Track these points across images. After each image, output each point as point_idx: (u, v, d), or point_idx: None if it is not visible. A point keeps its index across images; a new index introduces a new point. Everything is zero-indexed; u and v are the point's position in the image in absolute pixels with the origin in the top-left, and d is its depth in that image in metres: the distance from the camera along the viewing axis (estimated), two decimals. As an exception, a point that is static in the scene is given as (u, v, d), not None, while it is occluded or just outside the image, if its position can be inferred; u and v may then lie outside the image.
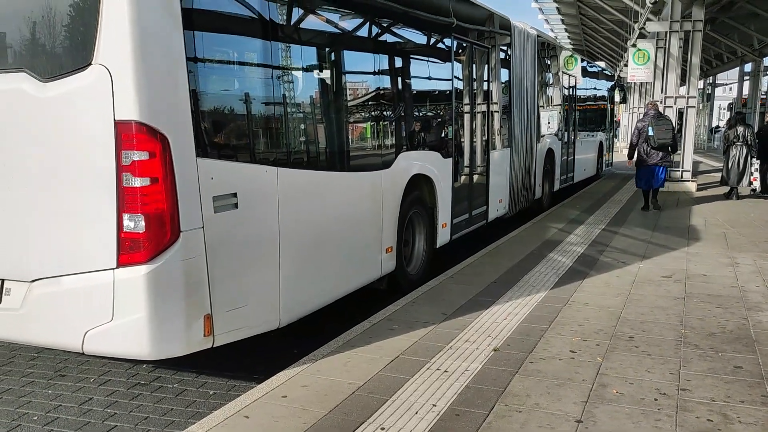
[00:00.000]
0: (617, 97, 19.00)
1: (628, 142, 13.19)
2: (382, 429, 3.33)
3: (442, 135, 7.45)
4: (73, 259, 3.66)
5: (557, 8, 25.74)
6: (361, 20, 5.76)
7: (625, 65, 19.90)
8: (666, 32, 14.37)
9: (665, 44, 14.58)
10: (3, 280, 3.89)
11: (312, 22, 5.11)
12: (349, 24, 5.63)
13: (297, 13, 4.87)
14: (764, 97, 25.64)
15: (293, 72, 4.78)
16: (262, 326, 4.33)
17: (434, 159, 6.98)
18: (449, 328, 4.90)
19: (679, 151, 14.29)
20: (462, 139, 7.96)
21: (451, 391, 3.78)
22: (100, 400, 4.16)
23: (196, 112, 3.73)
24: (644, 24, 15.36)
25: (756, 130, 13.82)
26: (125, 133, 3.44)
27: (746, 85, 27.60)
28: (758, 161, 13.04)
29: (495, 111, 9.01)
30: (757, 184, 13.17)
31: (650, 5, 14.42)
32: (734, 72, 30.69)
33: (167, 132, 3.51)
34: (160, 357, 3.73)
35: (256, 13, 4.33)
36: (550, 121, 12.34)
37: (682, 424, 3.36)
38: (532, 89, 10.38)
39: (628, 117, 33.85)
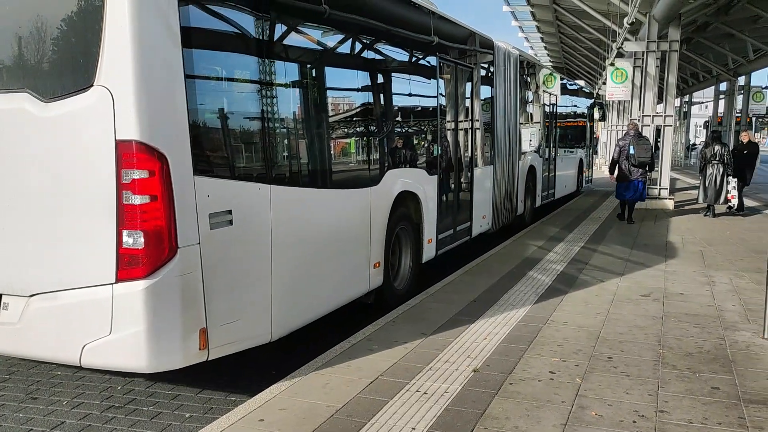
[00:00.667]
0: (596, 115, 19.29)
1: (608, 158, 13.56)
2: (361, 454, 3.29)
3: (428, 153, 7.56)
4: (71, 274, 3.76)
5: (537, 26, 26.06)
6: (356, 41, 5.93)
7: (604, 83, 20.18)
8: (643, 52, 14.59)
9: (642, 63, 14.80)
10: (1, 295, 3.97)
11: (304, 42, 5.23)
12: (340, 45, 5.75)
13: (287, 32, 4.94)
14: (739, 115, 26.05)
15: (285, 91, 4.87)
16: (254, 340, 4.41)
17: (420, 176, 7.12)
18: (429, 348, 4.88)
19: (656, 169, 14.58)
20: (447, 157, 8.07)
21: (430, 413, 3.76)
22: (72, 424, 4.07)
23: (193, 130, 3.83)
24: (622, 43, 15.60)
25: (731, 148, 14.05)
26: (126, 153, 3.56)
27: (721, 103, 28.07)
28: (735, 179, 13.24)
29: (479, 129, 9.21)
30: (734, 202, 13.35)
31: (627, 25, 14.68)
32: (710, 90, 31.22)
33: (166, 151, 3.62)
34: (158, 370, 3.77)
35: (249, 34, 4.44)
36: (531, 138, 12.56)
37: (660, 447, 3.36)
38: (514, 107, 10.57)
39: (606, 134, 34.25)
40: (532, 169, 12.39)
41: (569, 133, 17.05)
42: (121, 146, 3.56)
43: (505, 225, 10.68)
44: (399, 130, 6.99)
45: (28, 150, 3.82)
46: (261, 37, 4.52)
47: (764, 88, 25.61)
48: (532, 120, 12.71)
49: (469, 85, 8.79)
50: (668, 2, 12.55)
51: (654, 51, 14.38)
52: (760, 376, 4.38)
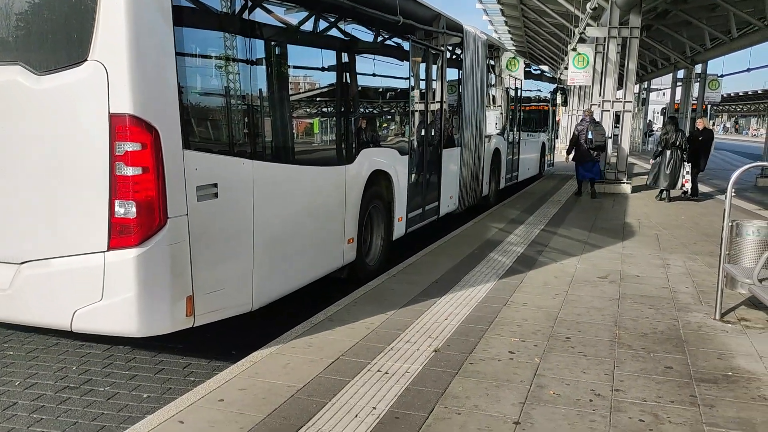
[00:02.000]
0: (559, 100, 19.52)
1: (567, 143, 14.08)
2: (321, 433, 3.29)
3: (400, 133, 7.75)
4: (63, 242, 3.88)
5: (501, 10, 26.10)
6: (338, 24, 6.13)
7: (566, 68, 20.36)
8: (605, 38, 14.76)
9: (604, 49, 14.99)
10: None
11: (290, 23, 5.43)
12: (323, 27, 5.95)
13: (272, 14, 5.10)
14: (695, 102, 26.60)
15: (269, 71, 5.00)
16: (236, 309, 4.56)
17: (392, 156, 7.31)
18: (391, 329, 4.89)
19: (614, 153, 14.91)
20: (417, 138, 8.25)
21: (391, 393, 3.77)
22: (25, 405, 3.96)
23: (183, 105, 3.96)
24: (584, 29, 15.76)
25: (687, 135, 14.36)
26: (119, 126, 3.67)
27: (678, 90, 28.63)
28: (689, 165, 13.55)
29: (447, 111, 9.38)
30: (688, 186, 13.68)
31: (590, 11, 14.82)
32: (668, 78, 31.82)
33: (158, 125, 3.75)
34: (147, 334, 3.94)
35: (233, 15, 4.56)
36: (497, 121, 12.70)
37: (615, 425, 3.44)
38: (481, 91, 10.78)
39: (567, 119, 34.66)
40: (497, 152, 12.62)
41: (533, 117, 17.29)
42: (114, 119, 3.66)
43: (471, 206, 10.91)
44: (373, 110, 7.19)
45: (22, 121, 3.89)
46: (245, 18, 4.63)
47: (720, 77, 26.16)
48: (497, 103, 12.86)
49: (439, 68, 8.91)
50: (630, -12, 12.70)
51: (615, 37, 14.57)
52: (710, 355, 4.51)
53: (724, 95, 41.40)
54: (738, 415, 3.59)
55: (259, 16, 4.81)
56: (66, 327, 3.95)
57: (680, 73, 27.74)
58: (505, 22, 29.09)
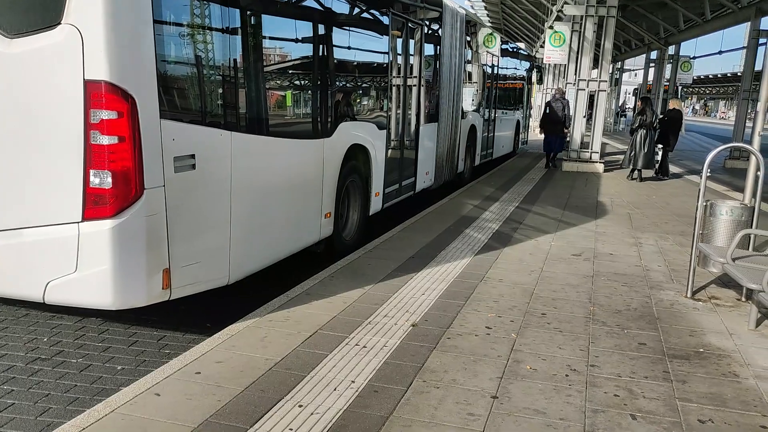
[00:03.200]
0: (534, 78, 19.56)
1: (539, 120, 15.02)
2: (300, 406, 3.27)
3: (378, 108, 7.73)
4: (36, 212, 3.79)
5: (478, -16, 25.95)
6: None
7: (542, 46, 20.38)
8: (582, 16, 14.76)
9: (581, 28, 14.99)
10: None
11: None
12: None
13: None
14: (667, 83, 26.86)
15: (247, 41, 4.91)
16: (213, 282, 4.52)
17: (370, 130, 7.28)
18: (368, 303, 4.88)
19: (588, 132, 15.07)
20: (396, 113, 8.19)
21: (369, 367, 3.77)
22: (-6, 377, 3.88)
23: (160, 74, 3.85)
24: (562, 7, 15.74)
25: (661, 115, 14.50)
26: (95, 93, 3.56)
27: (651, 71, 28.86)
28: (660, 145, 13.71)
29: (425, 87, 9.24)
30: (657, 167, 13.85)
31: (568, -12, 14.77)
32: (641, 59, 32.02)
33: (135, 93, 3.64)
34: (122, 307, 3.90)
35: None
36: (473, 98, 12.74)
37: (591, 399, 3.48)
38: (459, 67, 10.67)
39: (541, 97, 34.77)
40: (473, 129, 12.62)
41: (508, 95, 17.26)
42: (89, 86, 3.56)
43: (447, 182, 10.92)
44: (352, 84, 7.18)
45: None
46: None
47: (692, 59, 26.42)
48: (473, 80, 12.79)
49: (417, 42, 8.78)
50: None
51: (592, 16, 14.59)
52: (683, 332, 4.59)
53: (695, 77, 41.87)
54: (709, 391, 3.66)
55: None
56: (39, 299, 3.88)
57: (653, 54, 27.94)
58: (482, -2, 28.94)
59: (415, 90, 8.83)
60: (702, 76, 55.90)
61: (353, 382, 3.57)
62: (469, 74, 12.46)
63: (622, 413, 3.35)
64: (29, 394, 3.70)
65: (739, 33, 17.64)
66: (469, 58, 12.22)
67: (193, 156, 4.12)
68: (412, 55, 8.67)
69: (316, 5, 6.03)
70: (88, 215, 3.68)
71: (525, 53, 20.67)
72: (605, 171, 14.93)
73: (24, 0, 3.76)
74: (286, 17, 5.66)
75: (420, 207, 9.15)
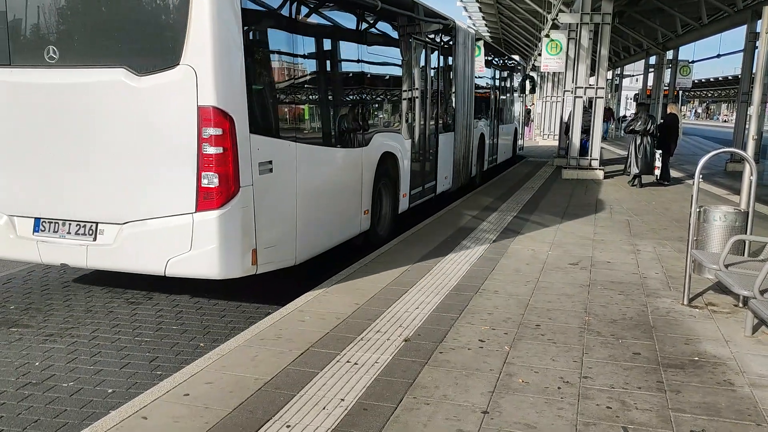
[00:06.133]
0: (527, 87, 19.94)
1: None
2: (288, 426, 3.24)
3: (404, 120, 8.67)
4: (159, 206, 4.88)
5: (475, -4, 26.04)
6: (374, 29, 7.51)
7: (539, 55, 20.42)
8: (577, 24, 14.79)
9: (576, 35, 15.02)
10: (97, 223, 5.11)
11: (333, 20, 6.64)
12: (353, 26, 7.10)
13: (319, 16, 6.32)
14: (667, 88, 26.82)
15: (309, 68, 6.22)
16: (285, 262, 5.55)
17: (398, 140, 8.39)
18: (361, 318, 4.86)
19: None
20: (419, 124, 9.24)
21: (360, 384, 3.74)
22: (-15, 403, 3.86)
23: (249, 98, 4.93)
24: (557, 15, 15.77)
25: (659, 121, 14.47)
26: (205, 115, 4.67)
27: (650, 76, 28.85)
28: (660, 151, 13.66)
29: (443, 100, 10.49)
30: (657, 172, 13.79)
31: (563, -3, 14.82)
32: (640, 64, 32.02)
33: (233, 114, 4.75)
34: (226, 277, 4.94)
35: (283, 17, 5.64)
36: (482, 109, 13.80)
37: (583, 412, 3.44)
38: (470, 81, 11.87)
39: (541, 105, 34.78)
40: (481, 136, 13.75)
41: (508, 105, 18.00)
42: (201, 110, 4.66)
43: (462, 185, 11.96)
44: (384, 99, 8.28)
45: (125, 112, 4.87)
46: (294, 19, 5.76)
47: (691, 62, 26.42)
48: (481, 93, 13.78)
49: (436, 61, 9.98)
50: (602, -25, 12.73)
51: (587, 23, 14.62)
52: (678, 341, 4.55)
53: (695, 81, 41.86)
54: (703, 400, 3.62)
55: (305, 15, 6.00)
56: (160, 272, 4.94)
57: (652, 59, 27.95)
58: (479, 8, 29.00)
59: (435, 104, 9.91)
60: (703, 80, 55.89)
61: (342, 400, 3.54)
62: (478, 87, 13.35)
63: (614, 426, 3.31)
64: (18, 420, 3.68)
65: (740, 35, 17.57)
66: (478, 73, 13.02)
67: (271, 162, 5.18)
68: (431, 71, 9.70)
69: (370, 36, 7.30)
70: (200, 207, 4.76)
71: (521, 65, 21.45)
72: (605, 177, 14.89)
73: (150, 47, 4.85)
74: (341, 41, 6.81)
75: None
